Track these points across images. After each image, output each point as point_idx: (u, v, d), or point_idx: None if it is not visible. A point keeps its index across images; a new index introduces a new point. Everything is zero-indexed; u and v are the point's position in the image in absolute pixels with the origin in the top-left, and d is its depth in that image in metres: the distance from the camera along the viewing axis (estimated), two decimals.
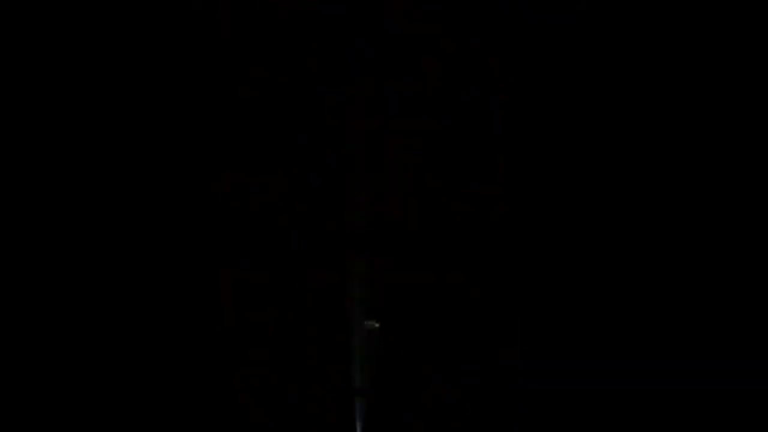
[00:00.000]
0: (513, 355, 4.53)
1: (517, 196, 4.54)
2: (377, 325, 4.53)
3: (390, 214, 4.63)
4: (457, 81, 4.60)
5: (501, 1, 4.48)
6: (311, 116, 4.57)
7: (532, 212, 4.44)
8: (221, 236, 4.43)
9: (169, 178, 4.23)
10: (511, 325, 4.50)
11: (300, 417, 4.63)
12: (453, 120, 4.59)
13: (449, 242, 4.51)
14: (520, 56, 4.52)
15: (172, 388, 4.14)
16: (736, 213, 4.34)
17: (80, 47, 4.17)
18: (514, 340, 4.58)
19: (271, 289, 4.50)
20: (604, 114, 4.38)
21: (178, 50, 4.20)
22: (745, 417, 4.27)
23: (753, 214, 4.35)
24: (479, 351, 4.50)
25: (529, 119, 4.47)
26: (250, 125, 4.50)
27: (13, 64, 4.14)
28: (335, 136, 4.58)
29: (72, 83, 4.17)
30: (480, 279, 4.59)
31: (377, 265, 4.66)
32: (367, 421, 4.63)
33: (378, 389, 4.54)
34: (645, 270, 4.33)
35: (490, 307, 4.41)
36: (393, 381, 4.48)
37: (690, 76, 4.38)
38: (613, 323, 4.33)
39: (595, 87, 4.40)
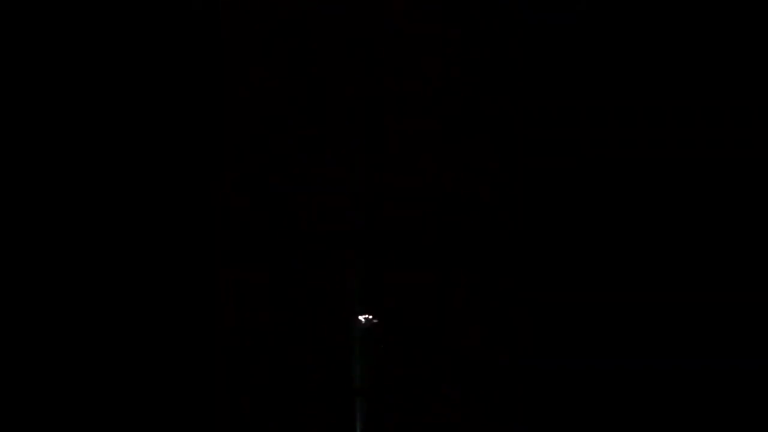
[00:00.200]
0: (514, 355, 4.53)
1: (518, 196, 4.54)
2: (375, 322, 4.53)
3: (390, 213, 4.63)
4: (458, 81, 4.60)
5: (501, 1, 4.48)
6: (311, 116, 4.57)
7: (531, 212, 4.43)
8: (221, 236, 4.43)
9: (168, 178, 4.23)
10: (511, 326, 4.49)
11: (300, 417, 4.63)
12: (453, 120, 4.59)
13: (449, 242, 4.50)
14: (521, 56, 4.52)
15: (172, 388, 4.14)
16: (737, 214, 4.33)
17: (80, 47, 4.17)
18: (515, 340, 4.58)
19: (271, 289, 4.49)
20: (603, 115, 4.38)
21: (178, 50, 4.19)
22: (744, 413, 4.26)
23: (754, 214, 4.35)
24: (479, 351, 4.50)
25: (529, 119, 4.47)
26: (250, 125, 4.49)
27: (13, 65, 4.13)
28: (335, 135, 4.58)
29: (72, 83, 4.17)
30: (480, 279, 4.59)
31: (377, 264, 4.66)
32: (367, 421, 4.63)
33: (378, 389, 4.54)
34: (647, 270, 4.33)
35: (491, 307, 4.40)
36: (393, 381, 4.48)
37: (689, 74, 4.38)
38: (614, 323, 4.33)
39: (595, 86, 4.39)
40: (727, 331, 4.30)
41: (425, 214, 4.62)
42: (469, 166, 4.58)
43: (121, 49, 4.19)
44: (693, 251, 4.36)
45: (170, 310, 4.19)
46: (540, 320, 4.42)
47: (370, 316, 4.24)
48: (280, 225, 4.82)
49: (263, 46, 4.49)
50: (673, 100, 4.39)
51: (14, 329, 4.10)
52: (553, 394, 4.38)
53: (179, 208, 4.24)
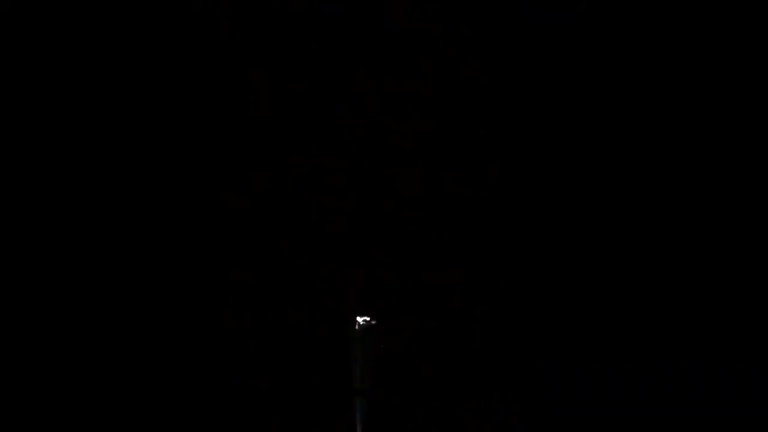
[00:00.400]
0: (513, 354, 4.53)
1: (516, 198, 4.55)
2: (374, 323, 4.53)
3: (390, 214, 4.63)
4: (457, 81, 4.60)
5: (501, 1, 4.48)
6: (311, 116, 4.57)
7: (531, 213, 4.44)
8: (221, 236, 4.43)
9: (168, 178, 4.23)
10: (511, 325, 4.49)
11: (300, 417, 4.63)
12: (453, 121, 4.59)
13: (449, 242, 4.51)
14: (521, 56, 4.52)
15: (172, 388, 4.14)
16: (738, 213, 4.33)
17: (80, 47, 4.17)
18: (515, 340, 4.58)
19: (271, 289, 4.50)
20: (604, 115, 4.38)
21: (178, 51, 4.19)
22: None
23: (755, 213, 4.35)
24: (479, 351, 4.50)
25: (528, 120, 4.47)
26: (250, 124, 4.49)
27: (12, 66, 4.13)
28: (335, 135, 4.58)
29: (72, 83, 4.17)
30: (480, 279, 4.59)
31: (377, 264, 4.66)
32: (367, 421, 4.63)
33: (378, 389, 4.55)
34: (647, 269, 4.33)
35: (490, 307, 4.41)
36: (393, 381, 4.48)
37: (689, 73, 4.38)
38: (614, 323, 4.33)
39: (594, 86, 4.40)
40: (729, 331, 4.30)
41: (425, 214, 4.62)
42: (469, 166, 4.59)
43: (121, 49, 4.19)
44: (693, 251, 4.36)
45: (170, 310, 4.19)
46: (539, 320, 4.43)
47: (369, 318, 4.25)
48: (280, 224, 4.83)
49: (263, 46, 4.49)
50: (673, 100, 4.39)
51: (15, 328, 4.10)
52: (552, 394, 4.38)
53: (179, 208, 4.24)
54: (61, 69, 4.16)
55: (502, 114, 4.54)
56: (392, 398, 4.27)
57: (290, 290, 4.62)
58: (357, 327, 6.12)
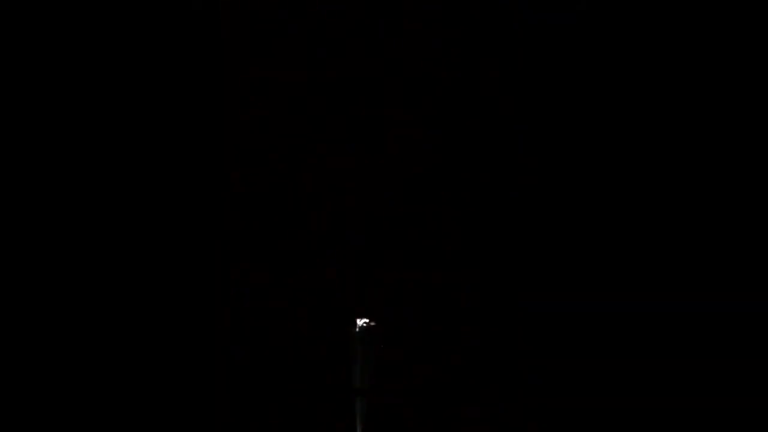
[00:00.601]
0: (512, 353, 4.53)
1: (516, 198, 4.55)
2: (373, 324, 4.53)
3: (389, 214, 4.63)
4: (456, 81, 4.60)
5: (501, 1, 4.49)
6: (311, 116, 4.57)
7: (529, 212, 4.44)
8: (221, 236, 4.43)
9: (168, 178, 4.23)
10: (510, 325, 4.50)
11: (300, 417, 4.63)
12: (452, 121, 4.59)
13: (448, 242, 4.51)
14: (521, 56, 4.52)
15: (173, 388, 4.14)
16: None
17: (80, 47, 4.17)
18: (514, 339, 4.58)
19: (271, 289, 4.49)
20: (602, 119, 4.38)
21: (178, 50, 4.20)
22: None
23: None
24: (478, 350, 4.50)
25: (528, 121, 4.47)
26: (250, 124, 4.49)
27: (13, 65, 4.14)
28: (335, 135, 4.58)
29: (72, 83, 4.17)
30: (479, 279, 4.59)
31: (376, 264, 4.66)
32: (367, 421, 4.63)
33: (378, 389, 4.55)
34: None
35: (489, 307, 4.41)
36: (393, 381, 4.49)
37: (690, 73, 4.39)
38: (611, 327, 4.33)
39: (594, 85, 4.40)
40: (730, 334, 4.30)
41: (424, 214, 4.63)
42: (468, 165, 4.59)
43: (121, 49, 4.20)
44: (690, 254, 4.36)
45: (170, 310, 4.20)
46: (538, 323, 4.43)
47: (368, 319, 4.25)
48: (280, 224, 4.83)
49: (263, 46, 4.49)
50: (672, 98, 4.39)
51: (15, 327, 4.11)
52: (554, 397, 4.39)
53: (179, 208, 4.25)
54: (61, 69, 4.16)
55: (501, 113, 4.54)
56: (392, 398, 4.27)
57: (290, 290, 4.62)
58: (357, 328, 6.12)
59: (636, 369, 4.33)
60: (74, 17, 4.14)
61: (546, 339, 4.40)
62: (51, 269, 4.14)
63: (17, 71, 4.13)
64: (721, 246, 4.32)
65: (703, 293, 4.29)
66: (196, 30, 4.22)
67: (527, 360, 4.44)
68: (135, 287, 4.18)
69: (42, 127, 4.17)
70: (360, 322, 6.26)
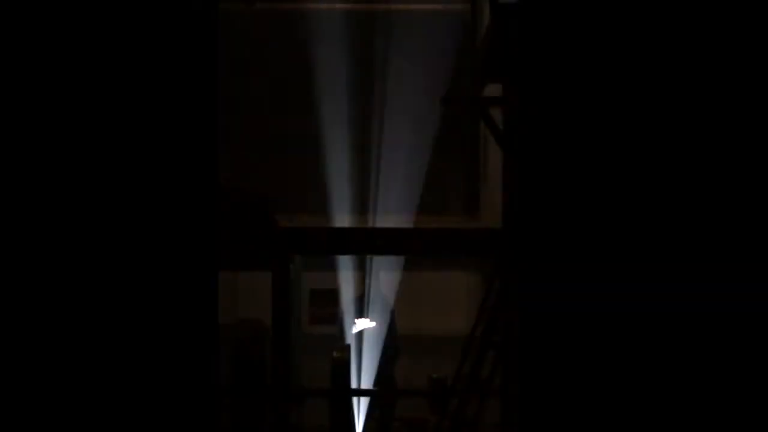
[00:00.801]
0: (511, 351, 4.53)
1: (515, 196, 4.55)
2: (373, 324, 4.54)
3: (388, 213, 4.64)
4: (456, 81, 4.61)
5: None
6: (311, 116, 4.58)
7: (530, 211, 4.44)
8: (221, 236, 4.44)
9: (168, 177, 4.23)
10: (508, 324, 4.49)
11: (300, 417, 4.64)
12: (451, 121, 4.60)
13: (447, 242, 4.51)
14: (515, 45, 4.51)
15: (173, 387, 4.14)
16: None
17: (81, 47, 4.18)
18: (512, 337, 4.58)
19: (271, 290, 4.50)
20: (602, 119, 4.38)
21: (178, 50, 4.20)
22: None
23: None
24: (479, 352, 4.51)
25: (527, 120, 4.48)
26: (249, 124, 4.50)
27: (14, 64, 4.14)
28: (335, 134, 4.59)
29: (71, 83, 4.18)
30: (478, 277, 4.60)
31: (376, 264, 4.67)
32: (367, 421, 4.64)
33: (378, 388, 4.56)
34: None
35: (488, 306, 4.41)
36: (392, 380, 4.50)
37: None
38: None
39: (594, 85, 4.40)
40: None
41: (423, 213, 4.63)
42: (467, 165, 4.59)
43: (121, 48, 4.20)
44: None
45: (170, 310, 4.20)
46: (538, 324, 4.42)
47: (368, 319, 4.27)
48: (279, 225, 4.83)
49: (263, 46, 4.50)
50: (671, 93, 4.39)
51: (15, 328, 4.11)
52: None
53: (179, 208, 4.25)
54: (62, 69, 4.17)
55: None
56: (393, 398, 4.29)
57: (290, 291, 4.63)
58: (357, 328, 6.12)
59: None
60: (74, 17, 4.14)
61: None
62: (49, 265, 4.14)
63: (18, 70, 4.13)
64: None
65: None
66: (196, 30, 4.22)
67: (527, 361, 4.43)
68: (135, 287, 4.18)
69: (41, 128, 4.17)
70: (360, 323, 6.27)
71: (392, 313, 8.50)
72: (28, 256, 4.12)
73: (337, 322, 8.95)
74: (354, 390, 7.14)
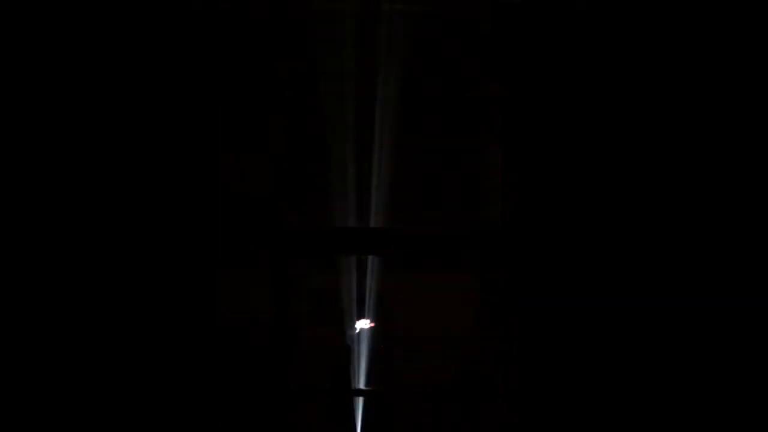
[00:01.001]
0: (509, 348, 4.52)
1: (514, 196, 4.55)
2: (372, 324, 4.54)
3: (387, 213, 4.63)
4: (455, 81, 4.61)
5: None
6: (310, 116, 4.57)
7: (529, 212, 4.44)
8: (221, 236, 4.44)
9: (168, 177, 4.23)
10: (507, 322, 4.48)
11: (300, 417, 4.63)
12: (450, 121, 4.59)
13: (447, 242, 4.49)
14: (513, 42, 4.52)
15: (173, 387, 4.14)
16: None
17: (81, 47, 4.18)
18: (512, 337, 4.58)
19: (271, 290, 4.48)
20: (602, 119, 4.38)
21: (178, 49, 4.20)
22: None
23: None
24: (476, 348, 4.49)
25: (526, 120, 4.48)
26: (249, 124, 4.50)
27: (14, 64, 4.14)
28: (332, 135, 4.59)
29: (72, 83, 4.18)
30: (478, 277, 4.60)
31: (375, 264, 4.66)
32: (367, 421, 4.64)
33: (378, 387, 4.55)
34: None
35: (488, 306, 4.40)
36: (392, 379, 4.48)
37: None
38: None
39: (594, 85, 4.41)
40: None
41: (421, 214, 4.63)
42: (466, 166, 4.59)
43: (121, 48, 4.20)
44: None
45: (170, 310, 4.19)
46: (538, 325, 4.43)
47: (368, 319, 4.25)
48: (278, 225, 4.82)
49: (263, 46, 4.50)
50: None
51: (15, 327, 4.11)
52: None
53: (179, 208, 4.25)
54: (62, 69, 4.16)
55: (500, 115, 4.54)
56: (393, 398, 4.27)
57: (290, 291, 4.62)
58: (357, 329, 6.11)
59: None
60: (74, 16, 4.14)
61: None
62: (50, 265, 4.14)
63: (21, 69, 4.13)
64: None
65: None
66: (196, 30, 4.22)
67: (526, 362, 4.44)
68: (135, 287, 4.18)
69: (42, 128, 4.17)
70: (360, 323, 6.25)
71: (392, 313, 8.52)
72: (29, 257, 4.11)
73: (337, 322, 9.03)
74: (354, 390, 7.14)
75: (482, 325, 6.16)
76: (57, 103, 4.13)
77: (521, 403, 4.44)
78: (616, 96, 4.35)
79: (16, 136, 4.13)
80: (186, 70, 4.19)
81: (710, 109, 4.29)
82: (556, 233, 4.28)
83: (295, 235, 6.10)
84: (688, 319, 4.32)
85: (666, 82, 4.41)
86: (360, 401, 6.99)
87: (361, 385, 7.48)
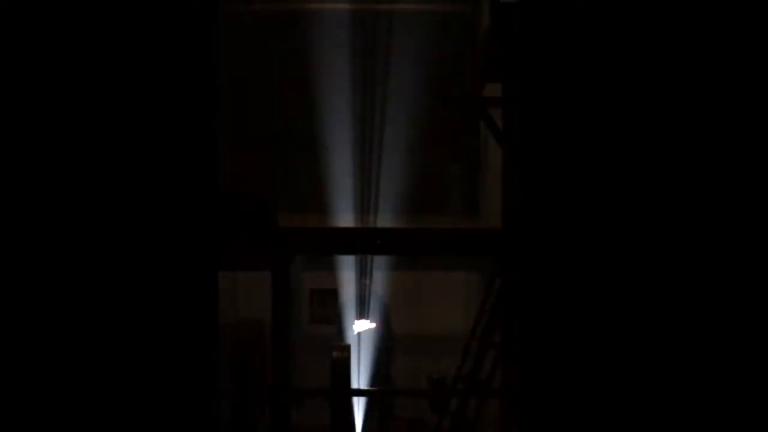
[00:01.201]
0: (509, 346, 4.53)
1: (514, 194, 4.55)
2: (373, 325, 4.54)
3: (387, 214, 4.64)
4: (455, 78, 4.61)
5: None
6: (310, 116, 4.58)
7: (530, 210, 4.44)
8: (221, 236, 4.44)
9: (168, 178, 4.23)
10: (507, 322, 4.49)
11: (300, 416, 4.64)
12: (449, 121, 4.60)
13: (447, 242, 4.52)
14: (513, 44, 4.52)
15: (173, 386, 4.14)
16: None
17: (81, 47, 4.17)
18: (512, 337, 4.58)
19: (269, 290, 4.50)
20: (602, 118, 4.38)
21: (178, 49, 4.20)
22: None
23: None
24: (478, 352, 4.51)
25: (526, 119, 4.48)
26: (248, 124, 4.50)
27: (14, 64, 4.14)
28: (334, 133, 4.59)
29: (72, 83, 4.17)
30: (478, 277, 4.60)
31: (376, 264, 4.67)
32: (367, 421, 4.64)
33: (378, 388, 4.56)
34: None
35: (488, 306, 4.42)
36: (391, 379, 4.50)
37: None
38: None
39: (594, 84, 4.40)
40: None
41: (421, 214, 4.63)
42: (465, 165, 4.59)
43: (121, 49, 4.20)
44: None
45: (170, 310, 4.19)
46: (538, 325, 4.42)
47: (368, 319, 4.27)
48: (277, 226, 4.83)
49: (266, 46, 4.50)
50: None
51: (16, 327, 4.10)
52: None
53: (180, 209, 4.25)
54: (62, 69, 4.16)
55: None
56: (395, 398, 4.30)
57: (290, 291, 4.62)
58: (357, 329, 6.12)
59: None
60: (74, 16, 4.14)
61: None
62: (51, 265, 4.14)
63: (20, 70, 4.13)
64: None
65: None
66: (196, 30, 4.22)
67: (526, 362, 4.43)
68: (135, 287, 4.18)
69: (42, 128, 4.17)
70: (360, 323, 6.26)
71: (392, 313, 8.53)
72: (29, 257, 4.11)
73: (337, 322, 9.01)
74: (354, 390, 7.17)
75: (482, 325, 6.19)
76: (57, 103, 4.13)
77: (521, 403, 4.44)
78: (620, 94, 4.34)
79: (15, 136, 4.12)
80: (186, 70, 4.18)
81: (712, 112, 4.28)
82: (556, 233, 4.28)
83: (295, 235, 6.13)
84: (688, 318, 4.32)
85: (666, 83, 4.40)
86: (360, 401, 7.03)
87: (362, 385, 7.52)
